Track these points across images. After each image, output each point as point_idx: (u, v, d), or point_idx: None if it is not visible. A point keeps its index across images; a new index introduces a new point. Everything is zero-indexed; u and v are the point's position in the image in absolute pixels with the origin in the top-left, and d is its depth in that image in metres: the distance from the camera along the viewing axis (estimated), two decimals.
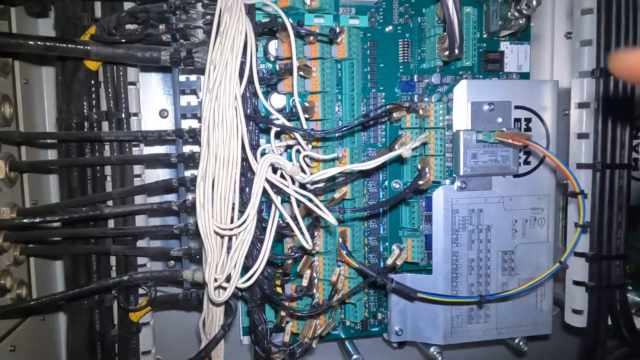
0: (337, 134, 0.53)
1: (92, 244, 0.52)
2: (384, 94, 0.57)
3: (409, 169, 0.56)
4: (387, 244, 0.58)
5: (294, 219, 0.45)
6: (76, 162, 0.50)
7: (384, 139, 0.57)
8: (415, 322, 0.57)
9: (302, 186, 0.47)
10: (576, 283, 0.56)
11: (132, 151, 0.52)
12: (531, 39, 0.60)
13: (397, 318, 0.58)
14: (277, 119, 0.47)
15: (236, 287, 0.45)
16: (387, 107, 0.51)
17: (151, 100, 0.58)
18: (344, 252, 0.51)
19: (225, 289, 0.45)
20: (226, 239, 0.45)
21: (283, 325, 0.53)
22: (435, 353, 0.57)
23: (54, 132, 0.48)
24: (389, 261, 0.52)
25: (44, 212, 0.50)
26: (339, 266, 0.55)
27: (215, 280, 0.44)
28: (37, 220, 0.46)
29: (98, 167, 0.52)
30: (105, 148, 0.52)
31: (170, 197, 0.59)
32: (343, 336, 0.60)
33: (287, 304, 0.50)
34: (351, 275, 0.55)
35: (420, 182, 0.49)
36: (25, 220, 0.46)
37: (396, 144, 0.52)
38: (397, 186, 0.57)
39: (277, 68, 0.50)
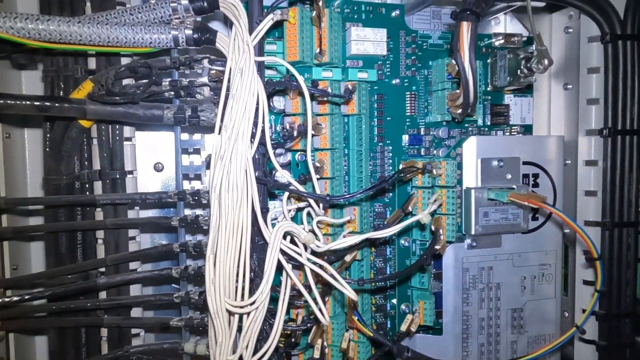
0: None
1: (82, 315, 0.47)
2: (391, 147, 0.55)
3: (417, 229, 0.54)
4: (394, 301, 0.56)
5: (308, 289, 0.42)
6: (67, 227, 0.46)
7: (390, 194, 0.55)
8: None
9: (314, 253, 0.45)
10: (585, 341, 0.56)
11: (127, 213, 0.48)
12: None
13: None
14: (290, 183, 0.44)
15: None
16: (401, 167, 0.49)
17: (145, 153, 0.54)
18: (356, 318, 0.49)
19: None
20: (237, 316, 0.42)
21: None
22: None
23: (43, 197, 0.44)
24: (403, 327, 0.50)
25: (28, 283, 0.45)
26: (347, 330, 0.52)
27: None
28: (27, 297, 0.41)
29: (88, 233, 0.48)
30: (97, 209, 0.48)
31: (164, 263, 0.55)
32: None
33: None
34: (360, 339, 0.52)
35: (437, 247, 0.47)
36: (14, 299, 0.41)
37: (409, 205, 0.50)
38: (406, 244, 0.55)
39: (288, 127, 0.47)
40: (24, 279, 0.46)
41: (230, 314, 0.41)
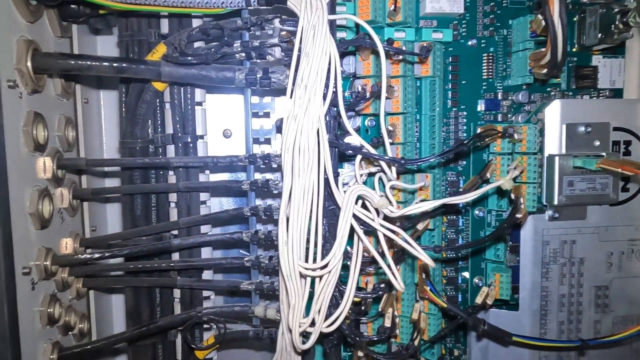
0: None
1: (156, 276, 0.49)
2: (465, 113, 0.52)
3: (495, 197, 0.51)
4: (465, 274, 0.53)
5: (382, 256, 0.41)
6: (142, 189, 0.47)
7: (464, 162, 0.53)
8: None
9: (386, 219, 0.43)
10: None
11: (198, 177, 0.48)
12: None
13: (478, 356, 0.53)
14: (363, 146, 0.43)
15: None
16: (478, 131, 0.47)
17: (214, 119, 0.54)
18: (429, 288, 0.47)
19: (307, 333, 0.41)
20: (309, 279, 0.41)
21: None
22: None
23: (121, 158, 0.45)
24: (479, 300, 0.48)
25: (107, 242, 0.47)
26: (417, 301, 0.51)
27: (300, 325, 0.40)
28: (106, 255, 0.43)
29: (162, 194, 0.49)
30: (169, 173, 0.49)
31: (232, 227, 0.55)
32: None
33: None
34: (431, 311, 0.51)
35: (518, 216, 0.45)
36: (95, 255, 0.42)
37: (487, 171, 0.47)
38: (481, 214, 0.52)
39: (360, 89, 0.46)
40: (102, 239, 0.48)
41: (302, 277, 0.41)
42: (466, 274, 0.53)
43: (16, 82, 0.36)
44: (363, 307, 0.47)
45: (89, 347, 0.43)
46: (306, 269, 0.40)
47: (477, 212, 0.52)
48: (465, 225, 0.53)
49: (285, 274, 0.40)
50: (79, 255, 0.43)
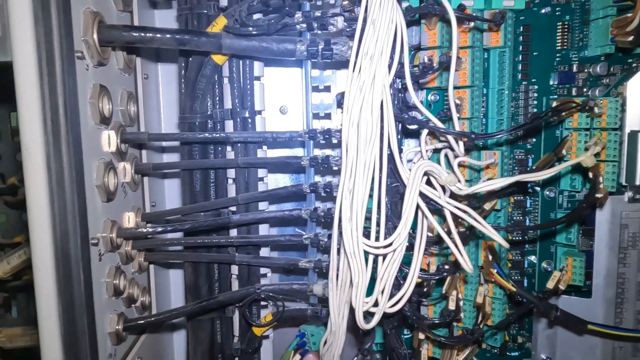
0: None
1: (214, 252, 0.49)
2: (536, 87, 0.49)
3: (568, 176, 0.48)
4: (532, 258, 0.51)
5: (449, 235, 0.39)
6: (202, 164, 0.46)
7: (533, 140, 0.49)
8: (567, 352, 0.50)
9: (452, 197, 0.41)
10: None
11: (256, 153, 0.47)
12: None
13: (544, 344, 0.51)
14: (429, 120, 0.40)
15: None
16: (555, 104, 0.43)
17: (271, 96, 0.54)
18: (496, 271, 0.45)
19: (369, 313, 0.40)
20: (371, 258, 0.40)
21: (419, 348, 0.48)
22: None
23: (182, 133, 0.44)
24: (550, 285, 0.45)
25: (167, 217, 0.47)
26: (481, 285, 0.48)
27: (364, 304, 0.39)
28: (169, 228, 0.43)
29: (221, 170, 0.48)
30: (227, 149, 0.48)
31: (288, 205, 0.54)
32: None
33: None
34: (495, 296, 0.48)
35: (598, 196, 0.41)
36: (158, 229, 0.42)
37: (563, 148, 0.44)
38: (551, 194, 0.49)
39: (426, 60, 0.43)
40: (162, 213, 0.48)
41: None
42: (533, 258, 0.50)
43: (83, 54, 0.36)
44: (425, 289, 0.45)
45: (152, 319, 0.44)
46: (371, 246, 0.38)
47: (547, 192, 0.49)
48: (532, 207, 0.50)
49: (348, 252, 0.39)
50: (142, 229, 0.43)
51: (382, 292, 0.39)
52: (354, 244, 0.38)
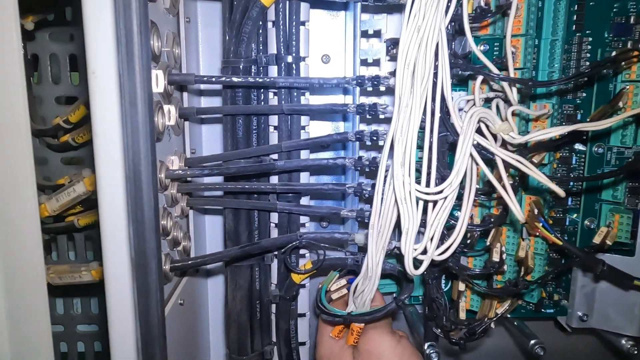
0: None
1: (255, 200, 0.49)
2: (590, 39, 0.47)
3: (619, 132, 0.47)
4: (575, 216, 0.50)
5: (502, 185, 0.39)
6: (246, 110, 0.46)
7: (583, 94, 0.48)
8: (604, 309, 0.50)
9: (503, 146, 0.41)
10: None
11: (300, 100, 0.47)
12: None
13: (582, 302, 0.51)
14: (485, 66, 0.39)
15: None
16: (614, 54, 0.42)
17: (313, 45, 0.52)
18: (541, 225, 0.44)
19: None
20: (421, 205, 0.39)
21: (458, 300, 0.48)
22: (629, 346, 0.49)
23: (229, 75, 0.44)
24: (597, 240, 0.45)
25: (212, 163, 0.47)
26: (523, 239, 0.48)
27: (414, 250, 0.38)
28: (215, 171, 0.42)
29: (263, 118, 0.48)
30: (269, 96, 0.47)
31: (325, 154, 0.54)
32: (509, 316, 0.54)
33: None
34: (537, 252, 0.48)
35: None
36: (205, 172, 0.42)
37: (619, 100, 0.43)
38: (600, 150, 0.48)
39: (482, 3, 0.42)
40: (205, 159, 0.48)
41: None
42: (575, 216, 0.50)
43: None
44: (469, 241, 0.45)
45: (199, 260, 0.44)
46: (422, 192, 0.38)
47: (596, 148, 0.48)
48: (578, 164, 0.49)
49: (399, 198, 0.38)
50: (188, 171, 0.43)
51: (432, 239, 0.39)
52: (406, 190, 0.38)
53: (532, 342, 0.49)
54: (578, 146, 0.48)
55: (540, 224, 0.44)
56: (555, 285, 0.53)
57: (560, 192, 0.36)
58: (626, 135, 0.46)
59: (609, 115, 0.42)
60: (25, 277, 0.31)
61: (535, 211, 0.45)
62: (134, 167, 0.27)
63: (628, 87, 0.44)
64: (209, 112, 0.49)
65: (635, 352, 0.49)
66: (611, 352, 0.63)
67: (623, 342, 0.49)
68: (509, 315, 0.53)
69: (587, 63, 0.47)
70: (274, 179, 0.48)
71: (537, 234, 0.45)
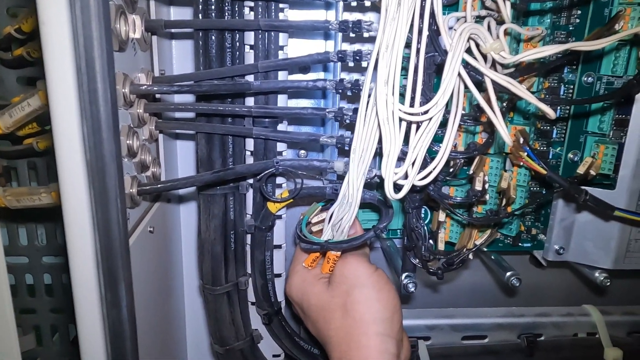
0: None
1: (229, 124, 0.46)
2: None
3: (610, 60, 0.45)
4: (559, 149, 0.49)
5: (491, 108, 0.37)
6: (221, 24, 0.42)
7: (577, 19, 0.46)
8: (581, 243, 0.50)
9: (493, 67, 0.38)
10: None
11: (278, 15, 0.43)
12: None
13: (560, 235, 0.51)
14: None
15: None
16: None
17: None
18: (526, 154, 0.43)
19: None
20: (404, 126, 0.37)
21: (437, 231, 0.47)
22: (602, 278, 0.50)
23: None
24: (581, 170, 0.44)
25: (180, 82, 0.43)
26: (505, 171, 0.47)
27: (395, 174, 0.37)
28: (185, 89, 0.39)
29: (238, 35, 0.44)
30: (245, 11, 0.44)
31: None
32: (486, 249, 0.54)
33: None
34: (519, 183, 0.47)
35: None
36: (174, 89, 0.39)
37: (615, 22, 0.41)
38: (589, 80, 0.46)
39: None
40: (174, 78, 0.44)
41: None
42: (559, 150, 0.49)
43: None
44: (452, 169, 0.43)
45: (169, 184, 0.41)
46: (406, 113, 0.36)
47: (585, 78, 0.46)
48: (566, 95, 0.48)
49: (382, 118, 0.36)
50: (155, 87, 0.40)
51: (413, 164, 0.37)
52: (389, 110, 0.36)
53: (508, 273, 0.49)
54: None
55: (525, 153, 0.43)
56: (533, 220, 0.53)
57: (551, 113, 0.35)
58: (617, 64, 0.44)
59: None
60: None
61: (521, 140, 0.43)
62: (86, 55, 0.24)
63: (625, 9, 0.42)
64: (179, 26, 0.45)
65: (608, 283, 0.49)
66: (584, 285, 0.65)
67: (596, 274, 0.50)
68: (485, 249, 0.53)
69: None
70: (249, 102, 0.45)
71: (522, 163, 0.44)
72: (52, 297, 0.65)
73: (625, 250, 0.49)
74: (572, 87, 0.47)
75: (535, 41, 0.43)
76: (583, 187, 0.44)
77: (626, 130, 0.46)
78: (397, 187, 0.38)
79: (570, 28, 0.46)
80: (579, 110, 0.47)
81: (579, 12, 0.45)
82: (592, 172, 0.43)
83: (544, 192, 0.49)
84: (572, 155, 0.48)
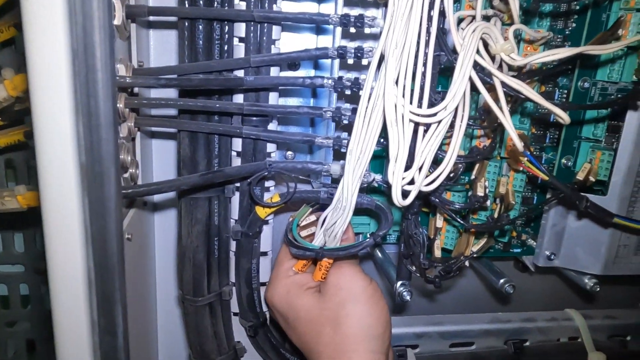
0: None
1: (216, 122, 0.42)
2: None
3: (607, 66, 0.45)
4: (551, 154, 0.48)
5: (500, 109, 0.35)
6: (210, 13, 0.39)
7: (573, 24, 0.45)
8: (572, 249, 0.50)
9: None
10: None
11: (272, 6, 0.40)
12: None
13: (551, 241, 0.50)
14: None
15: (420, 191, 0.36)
16: None
17: None
18: (527, 159, 0.42)
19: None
20: (411, 129, 0.35)
21: (434, 238, 0.46)
22: (591, 284, 0.50)
23: None
24: (580, 176, 0.43)
25: (164, 76, 0.40)
26: (502, 176, 0.46)
27: (403, 178, 0.35)
28: (174, 82, 0.36)
29: (227, 27, 0.41)
30: (236, 0, 0.40)
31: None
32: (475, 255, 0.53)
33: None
34: (516, 188, 0.46)
35: None
36: (162, 82, 0.35)
37: (617, 29, 0.40)
38: (586, 85, 0.46)
39: None
40: (157, 70, 0.40)
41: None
42: (552, 155, 0.48)
43: None
44: (453, 174, 0.42)
45: (153, 187, 0.38)
46: (417, 115, 0.34)
47: (581, 83, 0.46)
48: (560, 99, 0.47)
49: (389, 120, 0.34)
50: (139, 79, 0.36)
51: (420, 168, 0.35)
52: (399, 112, 0.34)
53: (502, 280, 0.48)
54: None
55: (526, 158, 0.42)
56: (524, 225, 0.52)
57: (566, 117, 0.34)
58: (614, 70, 0.44)
59: (608, 43, 0.40)
60: None
61: (522, 145, 0.42)
62: (85, 37, 0.20)
63: (626, 15, 0.41)
64: (164, 13, 0.41)
65: (597, 289, 0.49)
66: (566, 289, 0.65)
67: (586, 280, 0.50)
68: (475, 255, 0.52)
69: None
70: (237, 99, 0.42)
71: (521, 168, 0.43)
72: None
73: (615, 256, 0.49)
74: (565, 92, 0.47)
75: (538, 44, 0.42)
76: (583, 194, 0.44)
77: (618, 137, 0.46)
78: (404, 193, 0.36)
79: (567, 32, 0.45)
80: (574, 115, 0.46)
81: (576, 16, 0.45)
82: (591, 179, 0.43)
83: (536, 198, 0.48)
84: (565, 161, 0.48)
